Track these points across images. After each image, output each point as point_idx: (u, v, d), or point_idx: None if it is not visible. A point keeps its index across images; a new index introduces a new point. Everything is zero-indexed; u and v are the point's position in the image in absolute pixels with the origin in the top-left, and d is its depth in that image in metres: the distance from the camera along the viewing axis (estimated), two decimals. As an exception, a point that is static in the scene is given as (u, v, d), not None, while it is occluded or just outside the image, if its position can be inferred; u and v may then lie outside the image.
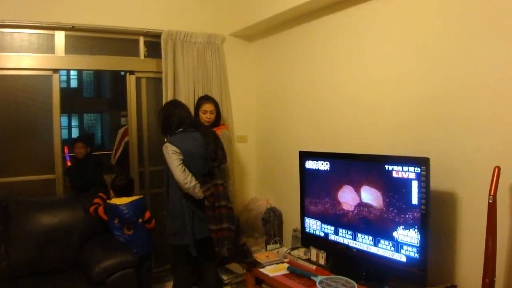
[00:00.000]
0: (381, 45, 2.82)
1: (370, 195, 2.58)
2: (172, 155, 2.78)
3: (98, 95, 16.49)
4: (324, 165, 2.92)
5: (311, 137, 3.54)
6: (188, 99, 3.80)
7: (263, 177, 4.32)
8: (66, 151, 3.52)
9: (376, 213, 2.54)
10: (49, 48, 3.46)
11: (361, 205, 2.64)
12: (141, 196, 3.26)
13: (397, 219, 2.41)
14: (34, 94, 3.43)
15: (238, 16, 4.05)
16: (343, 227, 2.81)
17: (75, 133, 16.29)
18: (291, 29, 3.72)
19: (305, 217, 3.15)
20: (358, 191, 2.66)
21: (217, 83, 4.03)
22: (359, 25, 2.99)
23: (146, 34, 3.80)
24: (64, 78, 15.72)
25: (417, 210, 2.28)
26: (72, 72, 15.78)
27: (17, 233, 3.01)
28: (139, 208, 3.17)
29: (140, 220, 3.17)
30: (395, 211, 2.42)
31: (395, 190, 2.42)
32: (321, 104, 3.41)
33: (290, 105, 3.79)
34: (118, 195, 3.20)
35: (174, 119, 2.93)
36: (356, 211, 2.69)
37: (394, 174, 2.43)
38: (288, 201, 3.83)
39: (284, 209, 3.95)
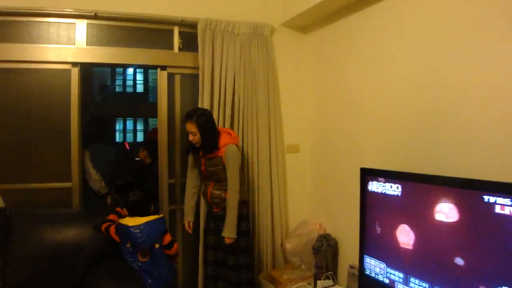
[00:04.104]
0: (473, 27, 2.01)
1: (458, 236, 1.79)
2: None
3: (164, 100, 16.56)
4: (394, 189, 2.17)
5: (379, 151, 2.76)
6: (225, 101, 3.24)
7: (318, 196, 3.58)
8: (127, 146, 3.34)
9: (467, 262, 1.75)
10: (70, 39, 3.03)
11: (446, 248, 1.86)
12: (160, 215, 2.68)
13: (499, 274, 1.63)
14: (50, 91, 3.02)
15: (289, 2, 3.37)
16: (416, 277, 2.04)
17: (140, 137, 16.50)
18: (356, 13, 2.98)
19: (365, 255, 2.41)
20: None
21: (264, 83, 3.39)
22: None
23: (181, 23, 3.25)
24: (130, 83, 16.04)
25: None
26: (138, 77, 16.03)
27: (17, 249, 2.57)
28: (156, 231, 2.59)
29: (157, 246, 2.59)
30: (497, 262, 1.64)
31: (498, 232, 1.66)
32: (392, 109, 2.63)
33: (354, 109, 3.03)
34: (132, 214, 2.65)
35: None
36: (437, 256, 1.91)
37: (498, 209, 1.66)
38: (347, 228, 3.08)
39: (341, 238, 3.20)
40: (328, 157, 3.41)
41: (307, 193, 3.68)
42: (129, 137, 16.34)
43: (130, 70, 15.91)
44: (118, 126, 16.25)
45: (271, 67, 3.44)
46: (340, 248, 3.21)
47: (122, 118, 16.26)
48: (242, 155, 3.26)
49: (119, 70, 15.79)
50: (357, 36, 2.99)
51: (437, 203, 1.91)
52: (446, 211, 1.87)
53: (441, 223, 1.89)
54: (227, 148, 2.79)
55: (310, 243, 3.28)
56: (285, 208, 3.52)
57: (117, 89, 15.93)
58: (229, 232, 2.79)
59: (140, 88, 16.33)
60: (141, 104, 15.81)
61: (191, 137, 2.81)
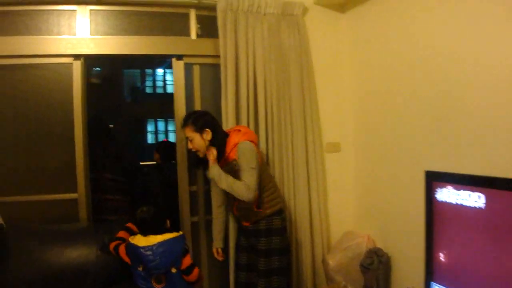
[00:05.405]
0: None
1: None
2: None
3: (196, 100, 16.34)
4: (474, 199, 1.63)
5: (446, 150, 2.18)
6: (256, 94, 2.78)
7: (364, 204, 3.04)
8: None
9: None
10: (71, 29, 2.68)
11: None
12: (179, 233, 2.22)
13: None
14: (50, 89, 2.67)
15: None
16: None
17: (172, 138, 16.32)
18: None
19: (432, 282, 1.88)
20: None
21: (297, 71, 2.90)
22: None
23: (198, 5, 2.84)
24: (160, 83, 15.92)
25: None
26: (167, 78, 15.88)
27: (13, 271, 2.24)
28: (173, 252, 2.14)
29: (174, 270, 2.14)
30: None
31: None
32: (460, 96, 2.07)
33: (408, 97, 2.48)
34: (143, 232, 2.21)
35: None
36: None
37: None
38: (403, 242, 2.57)
39: (395, 253, 2.67)
40: (376, 156, 2.87)
41: (351, 200, 3.15)
42: (161, 138, 16.21)
43: (160, 71, 15.78)
44: (150, 127, 16.19)
45: (304, 53, 2.94)
46: (393, 265, 2.68)
47: (153, 120, 16.16)
48: (273, 156, 2.79)
49: (149, 71, 15.68)
50: (405, 11, 2.44)
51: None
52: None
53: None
54: (238, 146, 2.34)
55: (357, 258, 2.76)
56: (326, 217, 3.01)
57: (148, 90, 15.81)
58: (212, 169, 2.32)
59: (170, 89, 16.18)
60: (172, 105, 15.64)
61: (189, 145, 2.40)
